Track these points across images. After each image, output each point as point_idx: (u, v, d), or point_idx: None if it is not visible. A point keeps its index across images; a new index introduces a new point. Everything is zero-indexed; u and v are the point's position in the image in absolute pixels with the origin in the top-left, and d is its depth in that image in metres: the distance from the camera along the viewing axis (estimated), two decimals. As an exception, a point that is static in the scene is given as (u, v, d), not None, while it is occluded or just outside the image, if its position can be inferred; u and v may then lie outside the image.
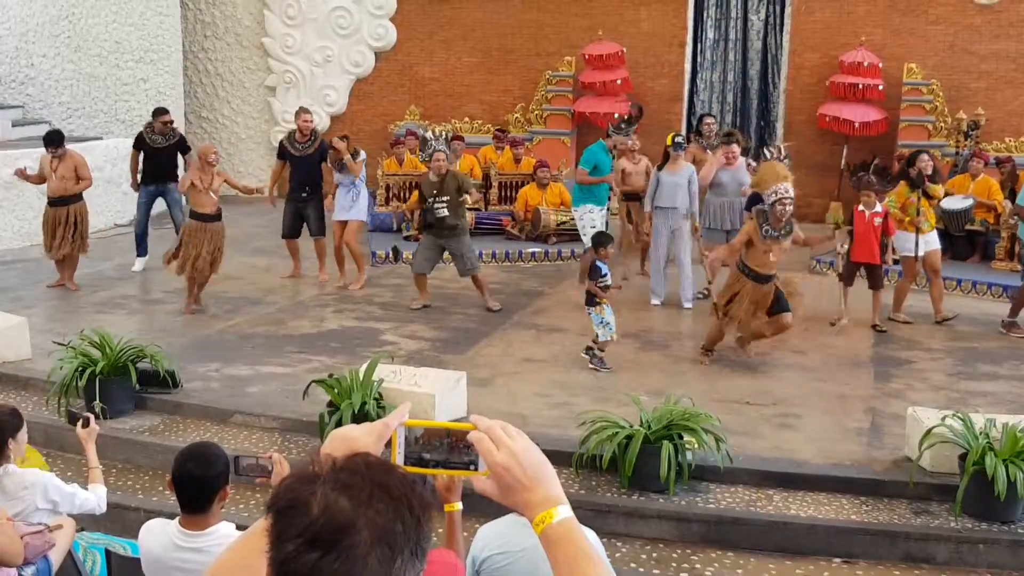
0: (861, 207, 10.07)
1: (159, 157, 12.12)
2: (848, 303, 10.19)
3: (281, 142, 12.03)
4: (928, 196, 10.32)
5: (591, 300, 8.68)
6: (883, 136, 15.00)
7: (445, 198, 10.25)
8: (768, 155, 10.94)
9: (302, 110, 11.87)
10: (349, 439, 1.70)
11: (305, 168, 11.64)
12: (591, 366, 8.67)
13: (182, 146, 12.43)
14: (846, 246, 10.10)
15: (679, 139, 10.81)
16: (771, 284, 8.58)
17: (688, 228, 10.73)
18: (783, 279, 8.93)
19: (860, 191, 10.09)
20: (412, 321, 10.20)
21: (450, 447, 1.77)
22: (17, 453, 4.56)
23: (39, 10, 15.84)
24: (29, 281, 11.30)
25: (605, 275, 8.67)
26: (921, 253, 10.23)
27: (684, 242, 10.72)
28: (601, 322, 8.65)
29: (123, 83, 16.52)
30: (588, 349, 8.80)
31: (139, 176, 12.23)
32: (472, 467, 1.75)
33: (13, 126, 15.07)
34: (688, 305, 10.77)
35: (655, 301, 10.90)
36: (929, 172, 10.29)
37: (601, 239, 8.86)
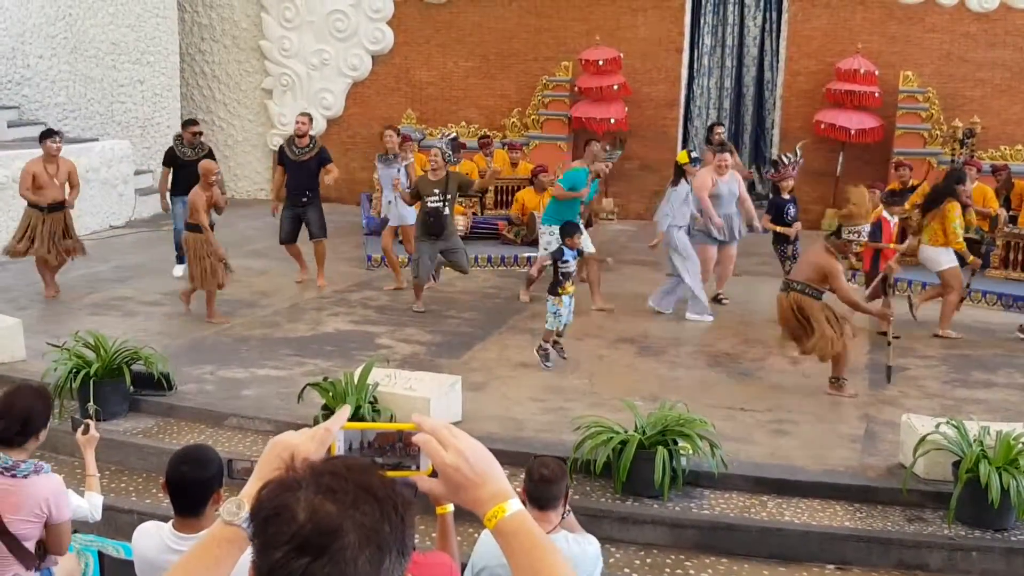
0: (886, 214, 10.20)
1: (190, 168, 11.44)
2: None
3: (280, 147, 11.99)
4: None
5: (553, 289, 8.71)
6: (879, 144, 15.03)
7: (438, 197, 10.31)
8: (786, 160, 10.91)
9: (301, 113, 11.92)
10: (291, 444, 1.69)
11: (304, 173, 11.60)
12: (537, 354, 8.78)
13: (211, 156, 11.91)
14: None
15: (695, 155, 10.77)
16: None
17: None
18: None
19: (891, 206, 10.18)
20: (407, 325, 10.20)
21: (402, 451, 1.78)
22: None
23: (35, 11, 15.81)
24: (23, 282, 11.28)
25: (567, 260, 8.67)
26: (956, 262, 10.14)
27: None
28: (554, 312, 8.67)
29: (119, 85, 16.50)
30: (554, 343, 8.83)
31: (169, 188, 11.93)
32: (414, 467, 1.77)
33: (9, 127, 15.04)
34: (669, 311, 10.72)
35: (710, 318, 10.58)
36: (968, 199, 10.33)
37: (569, 228, 8.87)
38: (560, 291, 8.69)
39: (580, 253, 8.99)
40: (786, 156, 11.05)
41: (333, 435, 1.74)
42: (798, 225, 10.95)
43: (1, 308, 9.73)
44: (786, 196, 10.80)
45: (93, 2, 16.02)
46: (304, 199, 11.61)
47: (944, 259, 10.15)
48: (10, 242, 11.00)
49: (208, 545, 1.77)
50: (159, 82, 16.91)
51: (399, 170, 11.48)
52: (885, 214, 10.28)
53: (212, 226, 10.07)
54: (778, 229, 10.76)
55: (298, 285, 11.81)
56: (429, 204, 10.34)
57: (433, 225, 10.39)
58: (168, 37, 16.97)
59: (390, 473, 1.74)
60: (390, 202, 11.61)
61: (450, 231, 10.57)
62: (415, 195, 10.53)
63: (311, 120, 12.01)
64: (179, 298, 10.47)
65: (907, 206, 11.24)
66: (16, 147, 13.37)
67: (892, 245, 10.07)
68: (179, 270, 11.95)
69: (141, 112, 16.77)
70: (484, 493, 1.67)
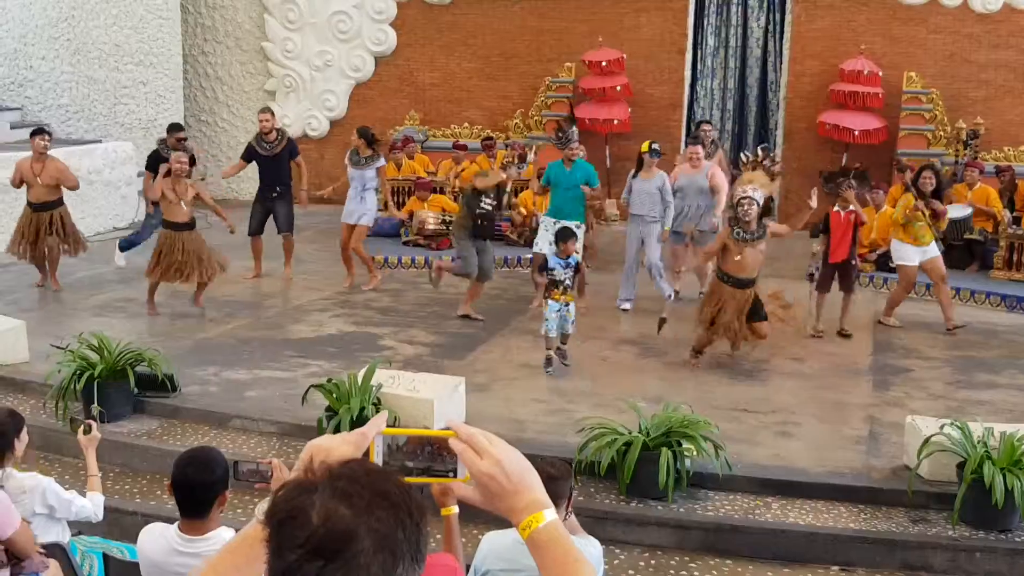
0: (836, 208, 10.07)
1: None
2: (822, 312, 10.11)
3: (248, 144, 12.12)
4: (935, 214, 10.25)
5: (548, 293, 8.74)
6: (883, 144, 15.01)
7: (493, 201, 10.36)
8: (745, 159, 10.90)
9: (261, 110, 12.08)
10: (326, 448, 1.70)
11: (275, 167, 11.78)
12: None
13: (193, 162, 12.12)
14: (821, 248, 10.13)
15: (655, 146, 10.76)
16: (750, 289, 8.64)
17: (657, 233, 10.69)
18: (771, 291, 9.04)
19: (839, 194, 10.08)
20: (411, 326, 10.20)
21: (432, 454, 1.78)
22: (18, 455, 4.55)
23: (38, 12, 15.84)
24: (26, 283, 11.29)
25: (552, 269, 8.66)
26: (917, 262, 10.23)
27: (653, 247, 10.68)
28: (545, 316, 8.69)
29: (122, 86, 16.51)
30: (556, 350, 8.88)
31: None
32: (452, 474, 1.76)
33: (11, 128, 15.07)
34: (669, 294, 10.66)
35: (625, 307, 10.92)
36: (928, 191, 10.24)
37: (563, 234, 8.84)
38: (545, 296, 8.71)
39: (578, 266, 8.90)
40: (746, 155, 11.03)
41: (369, 439, 1.74)
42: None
43: (4, 310, 9.73)
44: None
45: (96, 4, 16.03)
46: (275, 193, 11.80)
47: (900, 254, 10.38)
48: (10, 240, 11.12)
49: (240, 544, 1.79)
50: (162, 84, 16.92)
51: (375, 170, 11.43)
52: (837, 207, 10.11)
53: (193, 223, 10.12)
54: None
55: (253, 281, 11.95)
56: (483, 206, 10.28)
57: (486, 228, 10.39)
58: (171, 39, 16.98)
59: (423, 479, 1.74)
60: (362, 199, 11.51)
61: (491, 235, 10.71)
62: (475, 195, 10.37)
63: (274, 115, 12.14)
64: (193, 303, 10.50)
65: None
66: (19, 149, 13.35)
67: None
68: (122, 259, 12.08)
69: (144, 114, 16.77)
70: (519, 502, 1.67)
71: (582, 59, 15.97)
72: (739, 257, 8.51)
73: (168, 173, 10.09)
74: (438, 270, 10.61)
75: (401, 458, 1.76)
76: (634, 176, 10.73)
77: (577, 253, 8.95)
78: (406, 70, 17.38)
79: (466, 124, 16.91)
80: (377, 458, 1.74)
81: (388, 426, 1.79)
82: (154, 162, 11.77)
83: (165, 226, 10.17)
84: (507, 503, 1.67)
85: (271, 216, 11.89)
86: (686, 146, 12.15)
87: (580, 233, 10.67)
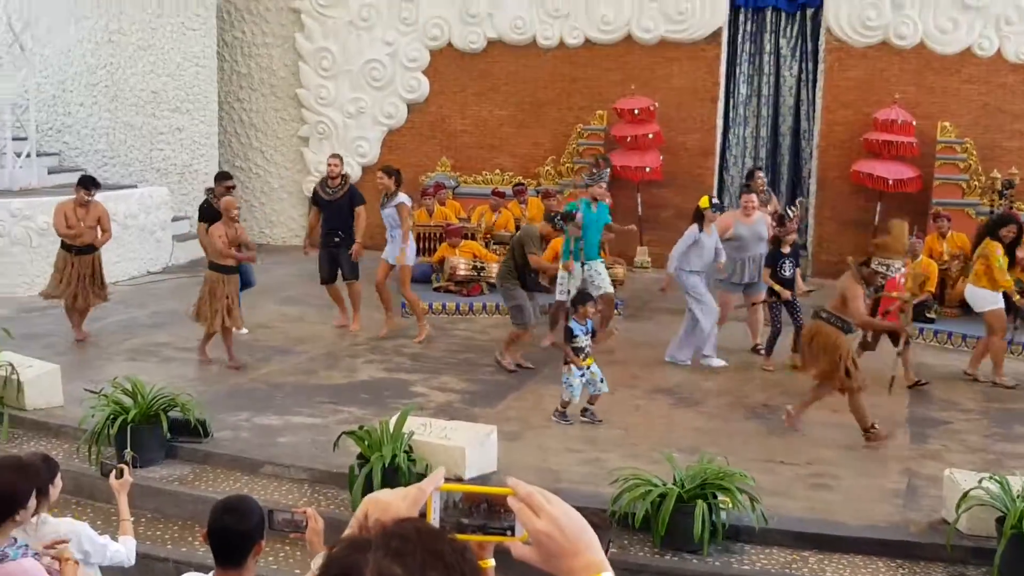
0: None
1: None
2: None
3: (314, 189, 12.17)
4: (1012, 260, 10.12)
5: (565, 359, 8.66)
6: (917, 194, 14.93)
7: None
8: (790, 214, 10.83)
9: (331, 155, 12.04)
10: (383, 503, 1.69)
11: (336, 213, 11.72)
12: (553, 418, 8.71)
13: None
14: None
15: (715, 200, 10.75)
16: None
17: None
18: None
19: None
20: (442, 373, 10.17)
21: (488, 512, 1.75)
22: (52, 500, 4.54)
23: (77, 59, 16.12)
24: (62, 328, 11.34)
25: (576, 336, 8.60)
26: (1002, 305, 10.06)
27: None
28: (566, 382, 8.61)
29: (159, 132, 16.73)
30: (583, 411, 8.79)
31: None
32: (510, 532, 1.73)
33: (49, 173, 15.27)
34: (687, 362, 10.66)
35: (716, 363, 10.61)
36: (1007, 241, 10.08)
37: (582, 298, 8.81)
38: (568, 362, 8.62)
39: (594, 332, 8.84)
40: (790, 210, 10.96)
41: (427, 495, 1.72)
42: (801, 284, 10.78)
43: (39, 353, 9.78)
44: (784, 250, 10.47)
45: (134, 51, 16.29)
46: (336, 239, 11.71)
47: (986, 300, 10.08)
48: (47, 285, 11.12)
49: None
50: (198, 130, 17.12)
51: (394, 208, 11.39)
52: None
53: (236, 268, 10.15)
54: (773, 285, 10.44)
55: (334, 331, 11.81)
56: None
57: (534, 278, 10.45)
58: (207, 86, 17.21)
59: (478, 537, 1.72)
60: (392, 239, 11.45)
61: (539, 285, 10.74)
62: (521, 245, 10.40)
63: (342, 161, 12.15)
64: (198, 354, 10.42)
65: (947, 258, 11.12)
66: (56, 193, 13.53)
67: (896, 294, 9.84)
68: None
69: (180, 159, 16.97)
70: (577, 563, 1.64)
71: (613, 107, 16.03)
72: (864, 311, 8.32)
73: (231, 239, 10.10)
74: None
75: (457, 515, 1.74)
76: (700, 231, 10.50)
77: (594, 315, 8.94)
78: (438, 117, 17.51)
79: (497, 171, 16.97)
80: (434, 515, 1.72)
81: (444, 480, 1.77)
82: (205, 213, 11.70)
83: (213, 268, 10.13)
84: (565, 563, 1.64)
85: (338, 264, 11.79)
86: (739, 195, 12.08)
87: (604, 271, 10.72)
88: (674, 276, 10.57)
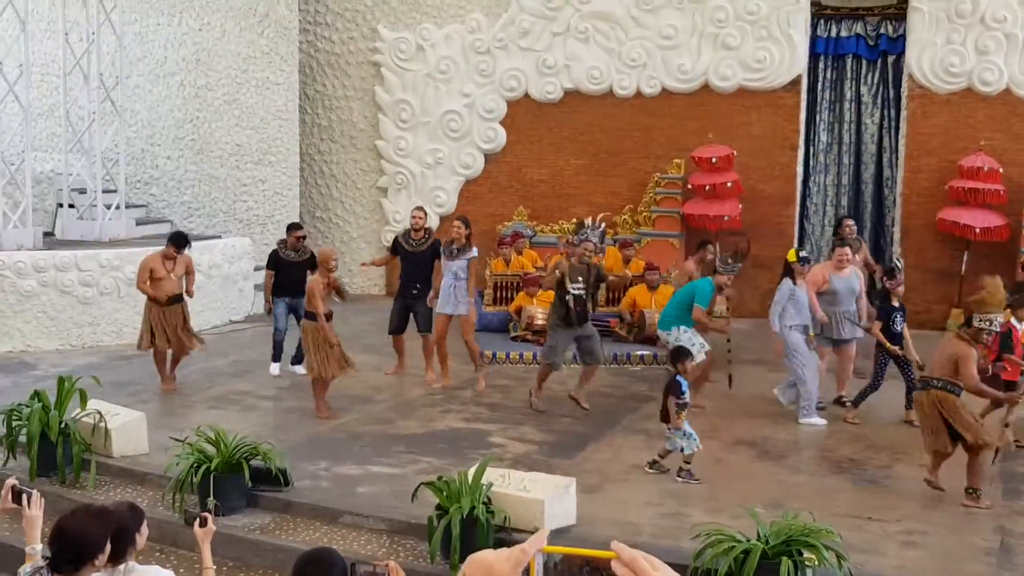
0: (1014, 320, 9.58)
1: (292, 271, 11.88)
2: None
3: (395, 238, 12.27)
4: None
5: (665, 417, 8.52)
6: (1006, 243, 14.59)
7: (582, 284, 10.29)
8: (899, 265, 10.57)
9: (415, 207, 12.14)
10: (486, 565, 1.68)
11: (417, 264, 11.78)
12: (679, 479, 8.44)
13: (313, 263, 11.66)
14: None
15: (804, 254, 10.57)
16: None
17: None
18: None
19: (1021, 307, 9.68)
20: (521, 423, 10.13)
21: (590, 575, 1.72)
22: (139, 548, 4.58)
23: (165, 114, 16.58)
24: (148, 375, 11.56)
25: (684, 392, 8.50)
26: None
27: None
28: (684, 435, 8.45)
29: (242, 184, 17.09)
30: (653, 463, 8.65)
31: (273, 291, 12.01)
32: None
33: (137, 224, 15.67)
34: (787, 404, 10.45)
35: (821, 423, 10.23)
36: None
37: (680, 353, 8.72)
38: (678, 418, 8.49)
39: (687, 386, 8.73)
40: (899, 262, 10.70)
41: (529, 556, 1.70)
42: (911, 349, 10.16)
43: (125, 401, 9.96)
44: (895, 303, 10.19)
45: (220, 106, 16.71)
46: (415, 291, 11.75)
47: None
48: (139, 337, 11.32)
49: None
50: (280, 181, 17.45)
51: (467, 261, 11.37)
52: (1013, 320, 9.63)
53: (330, 315, 10.20)
54: (885, 343, 10.06)
55: (412, 380, 11.84)
56: (573, 291, 10.26)
57: (578, 313, 10.34)
58: (289, 138, 17.57)
59: None
60: (454, 289, 11.37)
61: (587, 319, 10.54)
62: (559, 282, 10.42)
63: (426, 214, 12.23)
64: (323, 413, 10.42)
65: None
66: (144, 244, 13.88)
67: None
68: (275, 368, 12.06)
69: (262, 210, 17.30)
70: None
71: (691, 155, 15.98)
72: (976, 375, 8.02)
73: (327, 288, 10.22)
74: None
75: None
76: (795, 284, 10.27)
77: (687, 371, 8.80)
78: (515, 167, 17.62)
79: (574, 220, 16.97)
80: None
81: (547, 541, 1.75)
82: (274, 262, 11.98)
83: (309, 318, 10.21)
84: None
85: (411, 315, 11.85)
86: (832, 247, 11.64)
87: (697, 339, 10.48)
88: (779, 335, 10.25)
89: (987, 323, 7.93)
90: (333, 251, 10.66)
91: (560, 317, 10.42)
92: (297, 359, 11.85)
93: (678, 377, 8.52)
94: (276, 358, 12.06)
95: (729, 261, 10.75)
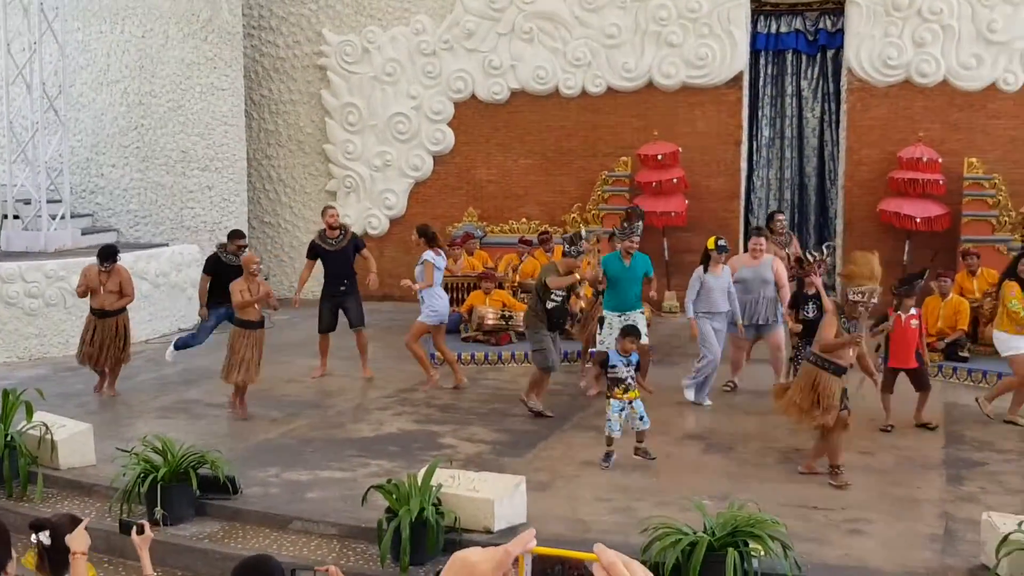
0: (899, 311, 9.86)
1: (233, 276, 11.33)
2: (891, 410, 9.84)
3: (312, 241, 12.33)
4: None
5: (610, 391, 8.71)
6: (946, 231, 14.83)
7: (562, 293, 10.38)
8: (811, 258, 10.74)
9: (326, 207, 12.36)
10: (469, 564, 1.68)
11: (340, 261, 11.91)
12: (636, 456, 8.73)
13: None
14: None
15: (722, 242, 10.73)
16: (844, 378, 8.35)
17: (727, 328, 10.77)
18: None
19: (908, 298, 9.89)
20: (471, 424, 10.15)
21: None
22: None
23: (109, 122, 16.39)
24: (92, 387, 11.44)
25: (614, 366, 8.63)
26: (1017, 352, 9.83)
27: (720, 344, 10.73)
28: (608, 415, 8.62)
29: (188, 191, 16.93)
30: (635, 450, 8.85)
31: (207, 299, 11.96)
32: None
33: (83, 234, 15.49)
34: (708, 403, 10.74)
35: (708, 402, 10.74)
36: None
37: (628, 331, 8.91)
38: (608, 396, 8.64)
39: (638, 364, 8.91)
40: (811, 254, 10.87)
41: (512, 556, 1.71)
42: (867, 358, 10.41)
43: (72, 413, 9.86)
44: (810, 292, 10.39)
45: (165, 113, 16.55)
46: (342, 287, 11.86)
47: (1009, 344, 9.89)
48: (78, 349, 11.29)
49: None
50: (227, 187, 17.31)
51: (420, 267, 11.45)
52: (899, 312, 9.88)
53: (262, 322, 10.24)
54: (792, 326, 10.42)
55: (363, 383, 11.84)
56: (555, 298, 10.33)
57: (560, 319, 10.50)
58: (236, 144, 17.43)
59: None
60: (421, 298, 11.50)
61: (567, 319, 10.84)
62: (543, 286, 10.40)
63: (337, 211, 12.47)
64: (229, 408, 10.52)
65: (978, 295, 10.97)
66: (90, 254, 13.68)
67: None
68: (172, 356, 12.02)
69: (209, 217, 17.15)
70: None
71: (637, 153, 16.09)
72: (853, 351, 8.29)
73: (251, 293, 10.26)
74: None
75: None
76: (705, 272, 10.61)
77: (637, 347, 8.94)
78: (464, 168, 17.63)
79: (524, 219, 17.04)
80: None
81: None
82: (213, 266, 11.94)
83: (239, 324, 10.31)
84: None
85: (340, 312, 11.96)
86: (748, 238, 12.07)
87: (644, 322, 10.65)
88: (692, 319, 10.65)
89: (859, 295, 8.13)
90: (254, 256, 10.71)
91: (545, 323, 10.42)
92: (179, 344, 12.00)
93: (612, 351, 8.66)
94: (179, 347, 12.05)
95: (624, 226, 11.09)
